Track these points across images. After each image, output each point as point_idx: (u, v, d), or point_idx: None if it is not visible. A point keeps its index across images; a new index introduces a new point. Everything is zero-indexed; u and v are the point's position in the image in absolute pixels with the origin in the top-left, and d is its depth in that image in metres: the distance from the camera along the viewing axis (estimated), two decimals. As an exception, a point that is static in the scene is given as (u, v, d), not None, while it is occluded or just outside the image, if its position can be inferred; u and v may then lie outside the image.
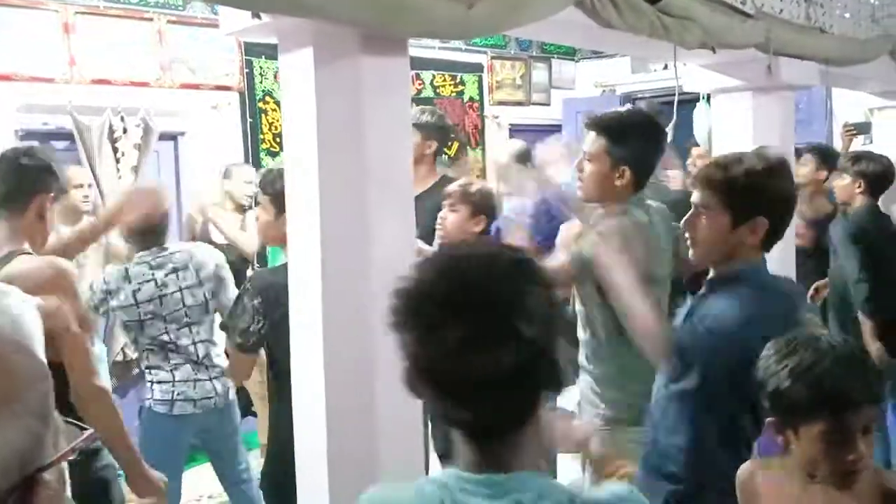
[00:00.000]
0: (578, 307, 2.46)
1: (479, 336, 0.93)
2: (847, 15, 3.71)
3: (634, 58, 5.76)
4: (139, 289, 2.92)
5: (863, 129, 4.73)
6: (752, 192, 1.81)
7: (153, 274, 2.95)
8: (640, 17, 2.59)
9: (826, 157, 4.17)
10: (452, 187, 3.01)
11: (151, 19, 4.54)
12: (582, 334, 2.45)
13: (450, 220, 2.98)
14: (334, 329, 1.97)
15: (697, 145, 4.74)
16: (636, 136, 2.32)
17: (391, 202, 2.05)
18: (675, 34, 2.68)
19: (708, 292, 1.91)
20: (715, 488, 1.70)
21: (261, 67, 5.01)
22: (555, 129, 6.38)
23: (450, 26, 2.03)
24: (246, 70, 4.95)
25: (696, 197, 1.89)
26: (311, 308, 1.98)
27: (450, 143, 3.89)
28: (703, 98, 4.52)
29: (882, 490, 1.41)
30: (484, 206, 2.96)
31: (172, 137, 4.79)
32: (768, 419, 1.43)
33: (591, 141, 2.34)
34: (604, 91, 6.62)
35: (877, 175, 3.72)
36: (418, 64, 5.69)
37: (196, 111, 4.74)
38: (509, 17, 2.17)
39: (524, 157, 3.97)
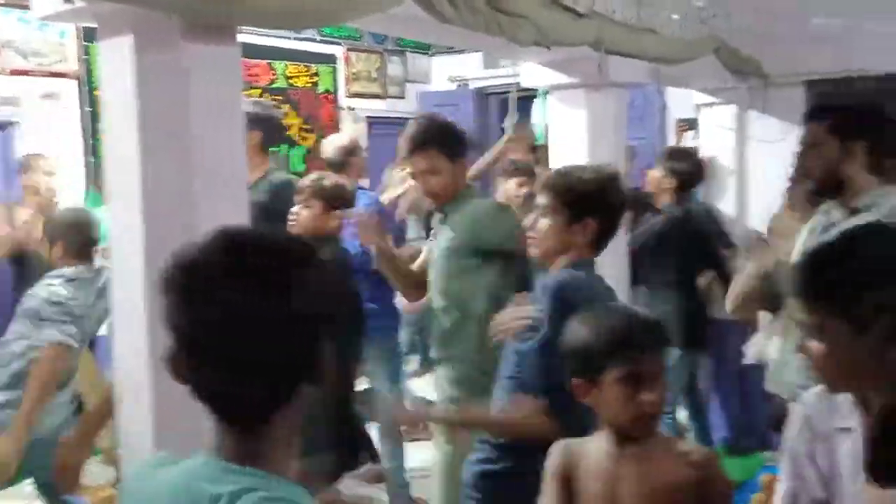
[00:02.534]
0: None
1: (230, 314, 0.92)
2: (675, 16, 3.94)
3: (486, 53, 5.88)
4: None
5: (693, 124, 5.08)
6: (585, 196, 2.03)
7: None
8: (476, 14, 2.65)
9: None
10: (305, 182, 2.98)
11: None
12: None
13: (303, 216, 2.95)
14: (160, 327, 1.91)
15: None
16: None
17: (222, 194, 2.00)
18: (509, 31, 2.76)
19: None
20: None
21: (100, 54, 4.77)
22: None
23: (280, 16, 2.01)
24: (84, 56, 4.69)
25: (539, 200, 2.12)
26: (134, 306, 1.92)
27: (277, 136, 3.80)
28: (541, 94, 4.69)
29: (687, 460, 1.57)
30: (339, 201, 2.95)
31: (2, 128, 4.48)
32: (574, 381, 1.60)
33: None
34: (459, 85, 6.75)
35: (689, 172, 3.95)
36: (271, 54, 5.59)
37: (29, 99, 4.45)
38: (342, 9, 2.18)
39: (353, 151, 3.93)
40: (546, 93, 3.91)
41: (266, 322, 0.93)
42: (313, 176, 3.10)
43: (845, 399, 1.43)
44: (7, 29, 4.34)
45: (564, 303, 1.86)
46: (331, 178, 3.06)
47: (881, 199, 2.26)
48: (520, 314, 2.03)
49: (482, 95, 6.64)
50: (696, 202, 4.29)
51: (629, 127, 4.76)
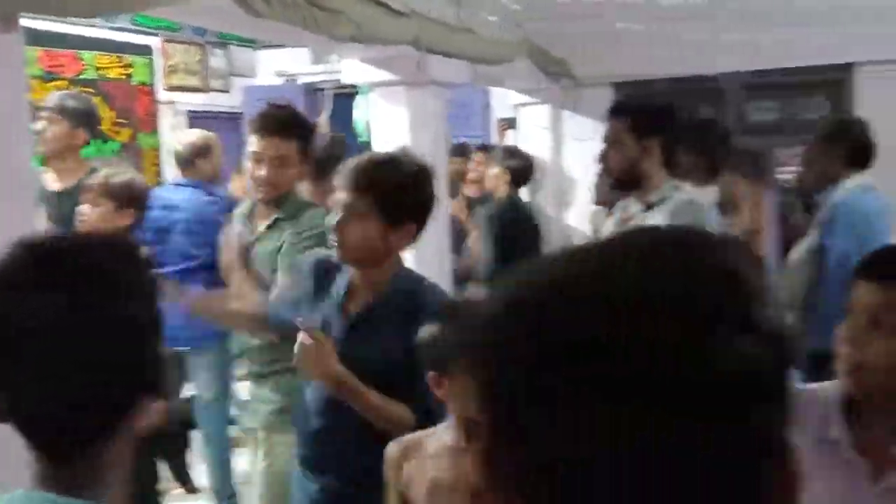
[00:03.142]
0: None
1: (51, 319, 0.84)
2: (492, 18, 4.07)
3: (312, 48, 5.81)
4: None
5: (513, 123, 5.28)
6: (403, 197, 1.88)
7: None
8: (290, 9, 2.60)
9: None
10: (92, 180, 2.81)
11: None
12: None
13: (92, 215, 2.78)
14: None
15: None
16: None
17: (2, 190, 1.84)
18: (325, 27, 2.74)
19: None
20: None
21: None
22: (235, 116, 6.24)
23: (65, 3, 1.88)
24: None
25: (344, 199, 1.90)
26: None
27: (96, 131, 3.58)
28: (361, 91, 4.70)
29: None
30: (130, 199, 2.80)
31: None
32: (430, 374, 1.55)
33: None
34: (286, 80, 6.61)
35: (520, 169, 4.21)
36: (77, 43, 5.23)
37: None
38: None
39: (203, 151, 3.78)
40: (367, 90, 3.91)
41: (86, 332, 0.85)
42: (103, 173, 2.93)
43: None
44: None
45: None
46: (121, 176, 2.89)
47: (672, 194, 2.45)
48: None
49: (311, 91, 6.55)
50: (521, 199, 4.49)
51: (458, 125, 4.89)
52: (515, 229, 4.12)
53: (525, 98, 5.03)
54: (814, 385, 1.40)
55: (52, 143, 3.16)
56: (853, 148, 3.15)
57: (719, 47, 4.42)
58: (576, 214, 4.94)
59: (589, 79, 4.79)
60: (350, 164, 1.96)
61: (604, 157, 2.60)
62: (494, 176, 4.26)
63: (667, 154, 2.49)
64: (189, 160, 3.67)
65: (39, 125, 3.07)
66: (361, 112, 4.98)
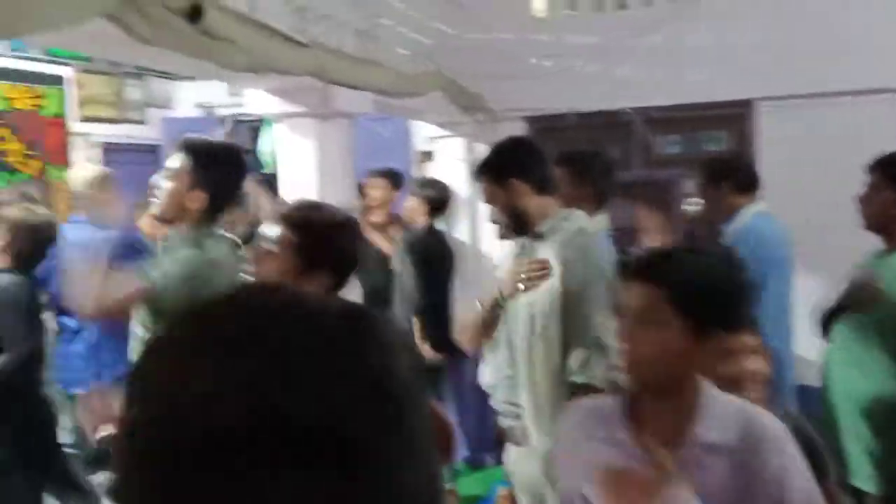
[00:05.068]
0: None
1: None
2: (403, 51, 4.12)
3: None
4: None
5: (430, 155, 5.32)
6: (324, 243, 1.89)
7: None
8: (179, 36, 2.58)
9: (396, 180, 4.61)
10: None
11: None
12: None
13: None
14: None
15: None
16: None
17: None
18: (217, 56, 2.72)
19: None
20: None
21: None
22: (153, 148, 6.15)
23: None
24: None
25: (271, 234, 1.93)
26: None
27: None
28: (266, 123, 4.69)
29: None
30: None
31: None
32: None
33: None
34: (208, 112, 6.55)
35: (437, 199, 4.27)
36: (-16, 73, 5.10)
37: None
38: (16, 22, 2.02)
39: (104, 183, 3.72)
40: (272, 121, 3.91)
41: None
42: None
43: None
44: None
45: None
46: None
47: (561, 224, 2.46)
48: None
49: (231, 122, 6.50)
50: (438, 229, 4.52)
51: (377, 157, 4.90)
52: (434, 256, 4.17)
53: (441, 131, 5.09)
54: (598, 399, 1.62)
55: None
56: (738, 181, 3.33)
57: (619, 84, 4.57)
58: (489, 244, 4.99)
59: (503, 113, 4.88)
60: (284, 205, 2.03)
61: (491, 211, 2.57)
62: (411, 206, 4.31)
63: (535, 185, 2.47)
64: (83, 196, 3.59)
65: None
66: (267, 143, 4.96)
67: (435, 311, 4.06)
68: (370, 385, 0.54)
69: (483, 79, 4.52)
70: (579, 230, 2.48)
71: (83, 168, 3.94)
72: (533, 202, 2.45)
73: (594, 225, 2.70)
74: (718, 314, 1.41)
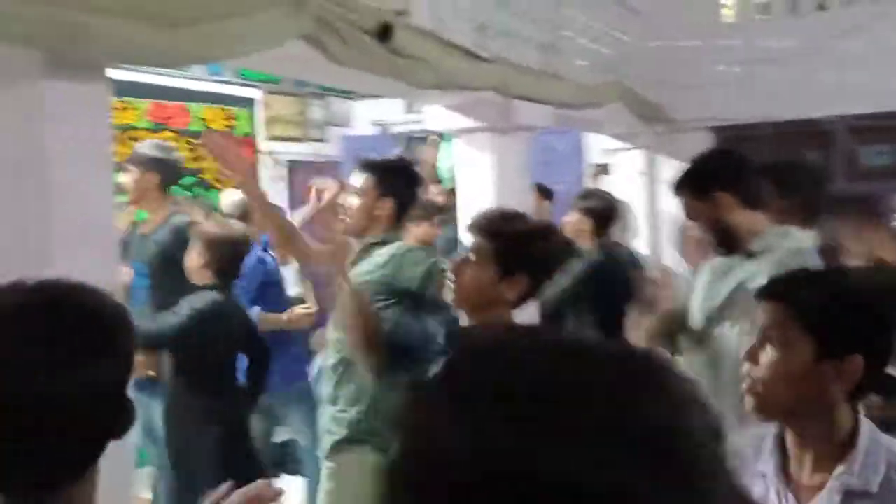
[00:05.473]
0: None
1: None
2: (583, 62, 4.01)
3: (405, 98, 5.90)
4: None
5: (606, 169, 5.15)
6: (519, 248, 1.90)
7: None
8: (371, 56, 2.63)
9: (545, 192, 4.41)
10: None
11: None
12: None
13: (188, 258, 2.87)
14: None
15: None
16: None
17: (84, 244, 1.89)
18: (405, 74, 2.74)
19: None
20: None
21: None
22: (333, 165, 6.39)
23: (150, 53, 1.94)
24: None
25: (468, 243, 1.98)
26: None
27: (177, 177, 3.70)
28: (445, 138, 4.70)
29: None
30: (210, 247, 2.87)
31: None
32: None
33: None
34: (383, 129, 6.74)
35: (603, 212, 3.89)
36: (185, 96, 5.49)
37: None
38: (221, 46, 2.12)
39: (244, 212, 3.84)
40: (451, 137, 3.90)
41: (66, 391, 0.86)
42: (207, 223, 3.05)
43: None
44: None
45: None
46: (213, 224, 3.00)
47: (777, 242, 2.25)
48: None
49: (404, 139, 6.65)
50: (615, 244, 4.27)
51: (550, 171, 4.82)
52: (609, 276, 3.82)
53: (618, 143, 4.92)
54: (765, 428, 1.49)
55: (131, 190, 3.32)
56: None
57: (817, 90, 4.20)
58: (669, 262, 4.73)
59: (686, 122, 4.64)
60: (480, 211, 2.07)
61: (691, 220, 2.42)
62: (574, 220, 3.93)
63: (744, 199, 2.29)
64: (242, 216, 3.73)
65: (122, 175, 3.24)
66: (444, 158, 4.99)
67: (608, 334, 3.83)
68: (649, 444, 0.48)
69: (665, 88, 4.33)
70: (797, 251, 2.25)
71: (231, 193, 4.12)
72: (741, 217, 2.26)
73: (805, 243, 2.45)
74: (850, 337, 1.32)
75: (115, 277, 2.04)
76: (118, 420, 0.92)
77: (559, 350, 0.53)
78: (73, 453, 0.88)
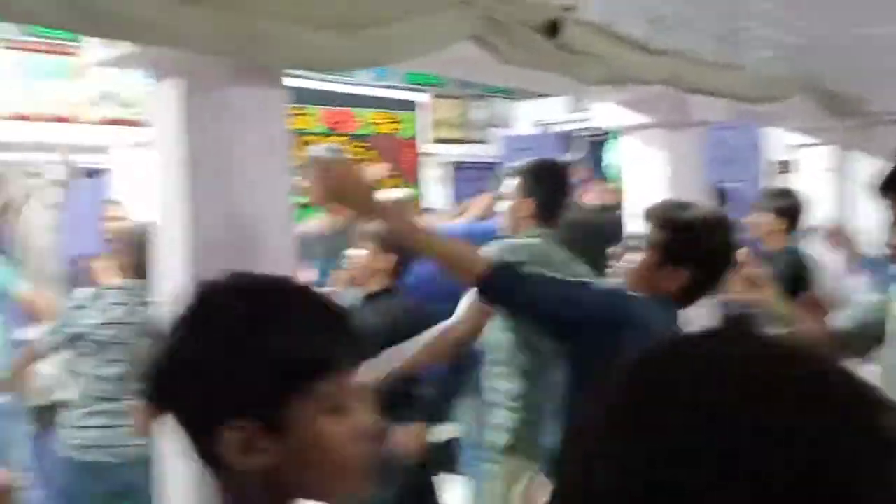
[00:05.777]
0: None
1: None
2: (767, 53, 3.73)
3: (568, 97, 5.79)
4: None
5: (788, 166, 4.78)
6: (687, 241, 1.87)
7: None
8: (539, 53, 2.56)
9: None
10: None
11: (74, 54, 4.46)
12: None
13: (356, 256, 2.93)
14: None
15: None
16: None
17: (268, 238, 1.96)
18: (575, 70, 2.66)
19: None
20: None
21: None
22: (493, 166, 6.39)
23: (326, 57, 1.98)
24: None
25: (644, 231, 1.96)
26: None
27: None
28: (612, 135, 4.53)
29: None
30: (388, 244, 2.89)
31: (96, 174, 4.68)
32: None
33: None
34: (544, 129, 6.66)
35: (793, 209, 3.70)
36: (354, 102, 5.68)
37: (121, 148, 4.65)
38: (392, 49, 2.13)
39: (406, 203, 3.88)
40: (616, 134, 3.76)
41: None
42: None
43: None
44: (106, 80, 4.54)
45: None
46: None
47: None
48: None
49: (566, 139, 6.54)
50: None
51: (725, 169, 4.54)
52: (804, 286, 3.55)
53: (803, 138, 4.55)
54: None
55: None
56: None
57: None
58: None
59: (888, 115, 4.20)
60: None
61: None
62: (764, 222, 3.73)
63: None
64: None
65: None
66: (613, 156, 4.82)
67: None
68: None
69: (861, 78, 3.94)
70: None
71: (388, 192, 4.16)
72: None
73: None
74: None
75: (293, 270, 2.09)
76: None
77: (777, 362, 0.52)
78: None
